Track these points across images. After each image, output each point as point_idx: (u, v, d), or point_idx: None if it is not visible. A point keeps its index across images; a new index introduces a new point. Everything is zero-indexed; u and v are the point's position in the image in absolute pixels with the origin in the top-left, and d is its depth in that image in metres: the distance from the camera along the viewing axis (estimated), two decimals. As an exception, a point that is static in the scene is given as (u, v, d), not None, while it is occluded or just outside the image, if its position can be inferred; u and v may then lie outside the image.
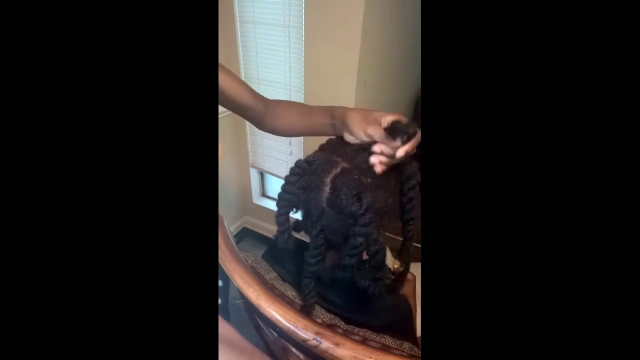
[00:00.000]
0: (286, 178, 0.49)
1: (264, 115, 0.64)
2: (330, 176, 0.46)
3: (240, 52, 1.47)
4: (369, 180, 0.46)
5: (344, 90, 1.28)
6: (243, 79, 1.52)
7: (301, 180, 0.48)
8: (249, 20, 1.38)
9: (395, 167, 0.49)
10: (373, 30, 1.24)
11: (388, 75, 1.56)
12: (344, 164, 0.47)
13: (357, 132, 0.49)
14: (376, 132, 0.47)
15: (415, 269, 1.11)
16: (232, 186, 1.87)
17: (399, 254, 0.56)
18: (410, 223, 0.51)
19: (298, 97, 1.41)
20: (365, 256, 0.47)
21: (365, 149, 0.47)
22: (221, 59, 1.47)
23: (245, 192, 1.91)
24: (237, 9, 1.38)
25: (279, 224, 0.51)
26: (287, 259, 0.59)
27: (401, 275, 0.56)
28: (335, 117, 0.54)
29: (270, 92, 1.48)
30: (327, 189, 0.46)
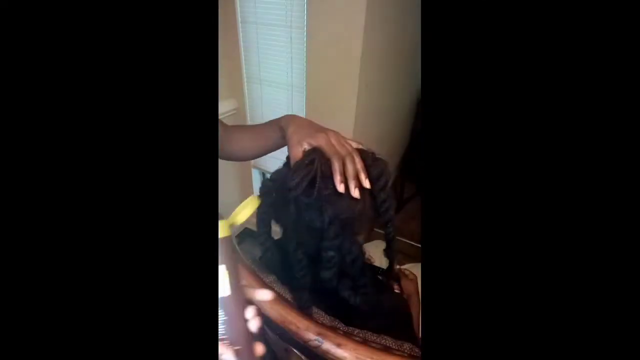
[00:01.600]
0: (258, 197, 0.49)
1: (222, 140, 0.63)
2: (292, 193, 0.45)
3: (242, 53, 1.47)
4: (328, 191, 0.44)
5: (345, 90, 1.28)
6: (245, 79, 1.52)
7: (269, 199, 0.47)
8: (250, 21, 1.38)
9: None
10: (375, 30, 1.23)
11: (389, 75, 1.56)
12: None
13: (292, 147, 0.47)
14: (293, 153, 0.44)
15: (416, 269, 1.11)
16: (233, 186, 1.87)
17: (385, 255, 0.55)
18: (388, 225, 0.50)
19: (300, 97, 1.41)
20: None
21: (322, 161, 0.45)
22: (222, 60, 1.48)
23: (246, 193, 1.91)
24: (238, 10, 1.38)
25: (259, 243, 0.50)
26: (279, 268, 0.59)
27: (390, 273, 0.55)
28: (282, 127, 0.53)
29: (272, 92, 1.49)
30: (292, 206, 0.45)
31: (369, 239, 0.55)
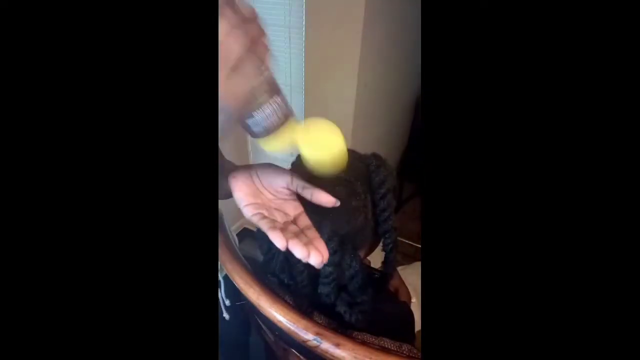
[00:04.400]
0: None
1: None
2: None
3: (241, 53, 1.47)
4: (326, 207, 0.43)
5: (344, 90, 1.28)
6: (244, 79, 1.52)
7: None
8: (249, 21, 1.38)
9: (361, 179, 0.47)
10: (374, 30, 1.24)
11: (388, 75, 1.56)
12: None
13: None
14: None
15: (415, 269, 1.11)
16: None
17: (383, 267, 0.54)
18: (387, 235, 0.49)
19: (299, 97, 1.41)
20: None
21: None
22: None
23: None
24: (237, 10, 1.38)
25: (261, 252, 0.50)
26: (281, 274, 0.58)
27: (385, 277, 0.55)
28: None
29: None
30: None
31: (371, 251, 0.54)
